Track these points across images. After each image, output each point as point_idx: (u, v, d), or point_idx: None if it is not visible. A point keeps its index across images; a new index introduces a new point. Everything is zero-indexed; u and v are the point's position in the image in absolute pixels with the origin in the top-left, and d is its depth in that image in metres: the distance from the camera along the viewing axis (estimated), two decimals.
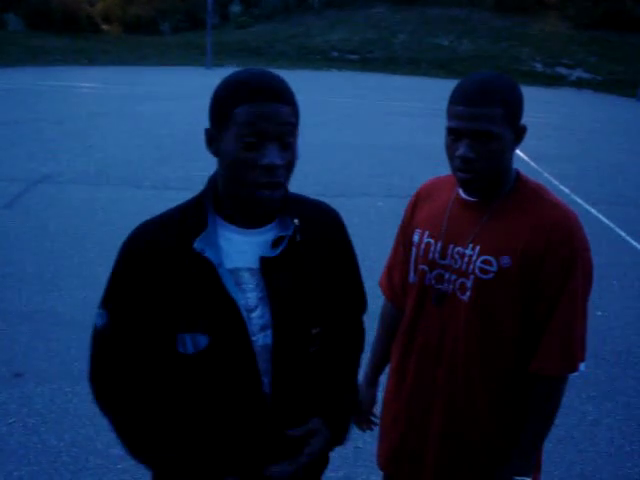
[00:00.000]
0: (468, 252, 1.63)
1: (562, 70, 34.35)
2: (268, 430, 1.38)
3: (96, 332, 1.38)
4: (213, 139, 1.31)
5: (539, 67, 34.72)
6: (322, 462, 1.57)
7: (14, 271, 5.26)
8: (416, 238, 1.77)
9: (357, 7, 42.50)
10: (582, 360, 1.61)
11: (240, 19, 42.74)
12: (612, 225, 7.56)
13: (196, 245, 1.29)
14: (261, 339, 1.35)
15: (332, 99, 18.48)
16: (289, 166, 1.29)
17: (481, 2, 41.27)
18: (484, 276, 1.60)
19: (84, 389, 3.56)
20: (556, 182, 9.50)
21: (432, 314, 1.72)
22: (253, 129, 1.23)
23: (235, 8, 43.98)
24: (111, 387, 1.40)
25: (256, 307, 1.34)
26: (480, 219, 1.64)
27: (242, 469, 1.39)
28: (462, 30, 38.82)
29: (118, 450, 3.09)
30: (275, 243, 1.35)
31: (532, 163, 10.75)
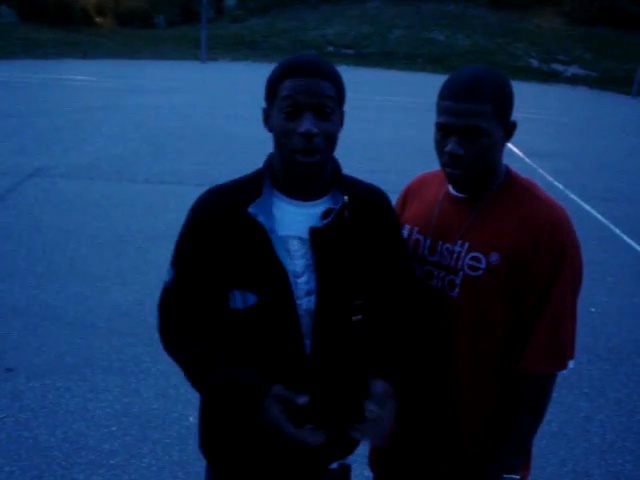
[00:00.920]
0: (457, 249, 1.62)
1: (557, 66, 34.42)
2: (306, 390, 1.42)
3: (164, 286, 1.54)
4: (268, 116, 1.45)
5: (534, 63, 34.77)
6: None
7: (6, 265, 5.23)
8: (405, 234, 1.76)
9: (352, 1, 42.44)
10: (571, 358, 1.60)
11: (235, 13, 42.62)
12: (606, 222, 7.57)
13: (250, 210, 1.42)
14: (305, 303, 1.45)
15: None
16: (328, 136, 1.38)
17: None
18: (473, 273, 1.59)
19: (76, 385, 3.57)
20: (550, 178, 9.52)
21: None
22: (292, 100, 1.35)
23: (230, 2, 43.85)
24: (176, 333, 1.53)
25: (303, 273, 1.45)
26: (469, 216, 1.63)
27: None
28: (457, 25, 38.82)
29: (110, 445, 3.09)
30: (324, 215, 1.45)
31: (526, 159, 10.76)
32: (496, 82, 1.52)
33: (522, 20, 39.57)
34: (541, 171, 9.94)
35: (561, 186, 9.07)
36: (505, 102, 1.53)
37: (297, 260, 1.44)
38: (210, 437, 1.61)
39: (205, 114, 14.48)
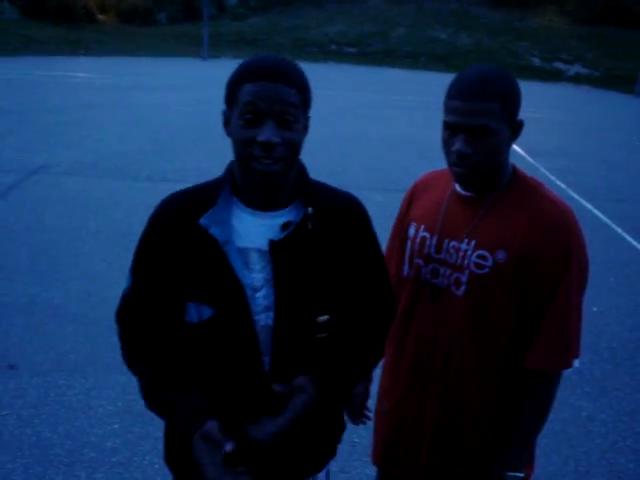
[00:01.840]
0: (463, 247, 1.63)
1: (560, 65, 34.35)
2: (265, 408, 1.39)
3: (123, 294, 1.48)
4: (228, 120, 1.36)
5: (537, 62, 34.69)
6: (337, 427, 1.59)
7: (9, 263, 5.23)
8: (412, 232, 1.76)
9: (355, 0, 42.36)
10: (577, 357, 1.60)
11: (237, 10, 42.57)
12: (609, 221, 7.56)
13: (202, 221, 1.35)
14: (263, 319, 1.38)
15: (329, 92, 18.42)
16: (291, 145, 1.30)
17: None
18: (479, 271, 1.59)
19: (78, 382, 3.58)
20: (553, 177, 9.50)
21: (427, 308, 1.71)
22: (252, 107, 1.27)
23: None
24: (131, 343, 1.48)
25: (262, 287, 1.37)
26: (476, 214, 1.63)
27: (238, 441, 1.37)
28: (460, 24, 38.76)
29: (112, 443, 3.10)
30: (283, 227, 1.37)
31: (529, 158, 10.75)
32: (504, 81, 1.53)
33: (525, 19, 39.51)
34: (544, 170, 9.92)
35: (563, 185, 9.06)
36: (513, 101, 1.54)
37: (255, 274, 1.37)
38: (174, 450, 1.54)
39: (207, 112, 14.46)
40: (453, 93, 1.53)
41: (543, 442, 3.21)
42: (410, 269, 1.77)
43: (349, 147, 10.99)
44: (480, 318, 1.62)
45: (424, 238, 1.72)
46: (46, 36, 31.39)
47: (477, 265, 1.60)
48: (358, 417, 2.01)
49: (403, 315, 1.77)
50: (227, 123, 1.37)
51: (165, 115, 13.28)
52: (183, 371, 1.42)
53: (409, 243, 1.77)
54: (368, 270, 1.53)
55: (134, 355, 1.47)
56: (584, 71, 33.40)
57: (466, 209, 1.66)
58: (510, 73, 1.58)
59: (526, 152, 11.03)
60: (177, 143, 10.43)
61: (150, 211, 1.45)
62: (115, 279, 5.24)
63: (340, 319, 1.47)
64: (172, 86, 18.57)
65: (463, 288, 1.63)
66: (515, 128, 1.57)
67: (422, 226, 1.73)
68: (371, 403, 2.00)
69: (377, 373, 1.98)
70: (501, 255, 1.57)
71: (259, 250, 1.37)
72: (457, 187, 1.69)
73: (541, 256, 1.54)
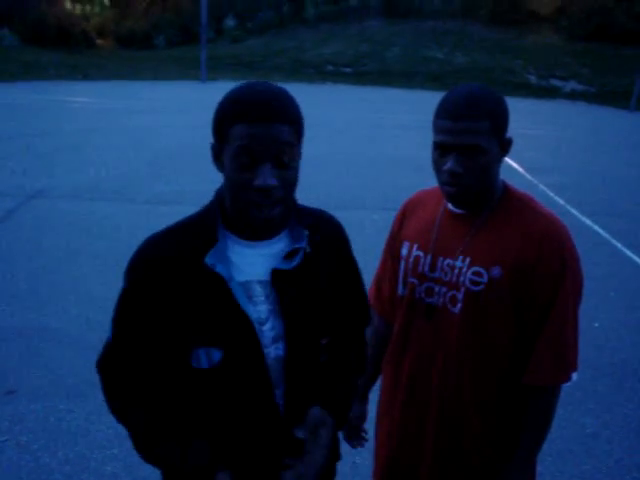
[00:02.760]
0: (458, 264, 1.63)
1: (556, 82, 34.61)
2: (281, 440, 1.37)
3: (105, 342, 1.41)
4: (218, 155, 1.30)
5: (533, 79, 34.96)
6: (333, 456, 1.54)
7: (7, 287, 5.22)
8: (404, 251, 1.76)
9: (351, 20, 42.80)
10: (575, 370, 1.60)
11: (234, 33, 42.98)
12: (608, 236, 7.56)
13: (207, 260, 1.27)
14: (273, 351, 1.34)
15: (326, 112, 18.54)
16: (287, 185, 1.25)
17: (474, 15, 41.58)
18: (475, 287, 1.59)
19: (78, 406, 3.55)
20: (551, 193, 9.53)
21: (423, 327, 1.71)
22: (247, 150, 1.20)
23: (229, 22, 44.24)
24: (116, 394, 1.43)
25: (267, 319, 1.33)
26: (469, 231, 1.64)
27: (255, 477, 1.36)
28: (455, 43, 39.12)
29: (112, 468, 3.06)
30: (288, 255, 1.34)
31: (527, 175, 10.78)
32: (492, 99, 1.54)
33: (520, 37, 39.89)
34: (542, 187, 9.95)
35: (562, 201, 9.08)
36: (501, 119, 1.55)
37: (259, 306, 1.32)
38: None
39: (205, 135, 14.51)
40: (442, 113, 1.54)
41: (547, 460, 3.18)
42: (404, 288, 1.76)
43: (346, 166, 11.02)
44: (477, 334, 1.61)
45: (418, 257, 1.72)
46: (45, 61, 31.68)
47: (473, 282, 1.59)
48: (355, 439, 1.99)
49: (400, 334, 1.77)
50: (217, 158, 1.31)
51: (163, 138, 13.33)
52: (180, 420, 1.37)
53: (402, 262, 1.77)
54: (352, 285, 1.55)
55: (120, 406, 1.42)
56: (580, 87, 33.65)
57: (459, 226, 1.66)
58: (496, 91, 1.60)
59: (525, 169, 11.07)
60: (175, 166, 10.46)
61: (150, 233, 1.39)
62: (114, 303, 5.21)
63: (335, 338, 1.47)
64: (170, 109, 18.68)
65: (459, 306, 1.62)
66: (504, 145, 1.59)
67: (415, 245, 1.74)
68: (370, 424, 1.99)
69: (375, 394, 1.98)
70: (496, 271, 1.57)
71: (260, 281, 1.33)
72: (449, 205, 1.69)
73: (536, 270, 1.54)
